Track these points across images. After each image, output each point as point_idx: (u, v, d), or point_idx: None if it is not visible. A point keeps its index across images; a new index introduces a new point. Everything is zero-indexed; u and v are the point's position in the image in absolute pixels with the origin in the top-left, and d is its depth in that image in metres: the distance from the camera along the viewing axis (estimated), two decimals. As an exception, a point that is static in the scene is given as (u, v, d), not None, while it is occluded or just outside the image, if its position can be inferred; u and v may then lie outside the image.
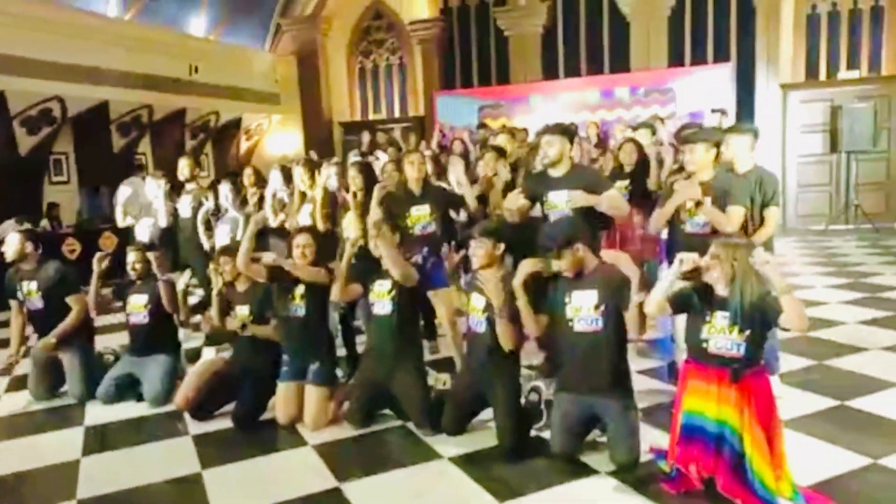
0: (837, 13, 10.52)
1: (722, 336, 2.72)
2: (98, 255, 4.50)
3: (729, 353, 2.71)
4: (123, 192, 6.08)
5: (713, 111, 8.64)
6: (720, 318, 2.73)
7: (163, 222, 5.71)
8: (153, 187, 5.80)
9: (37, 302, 4.40)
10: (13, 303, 4.50)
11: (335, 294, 3.79)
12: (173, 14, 10.63)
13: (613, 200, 3.79)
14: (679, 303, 2.87)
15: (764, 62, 10.71)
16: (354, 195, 4.58)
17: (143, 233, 5.84)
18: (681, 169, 4.35)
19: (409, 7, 12.36)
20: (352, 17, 12.80)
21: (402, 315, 3.73)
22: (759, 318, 2.68)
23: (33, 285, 4.39)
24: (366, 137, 9.08)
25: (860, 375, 4.06)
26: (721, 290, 2.75)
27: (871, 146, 9.69)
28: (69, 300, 4.40)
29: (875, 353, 4.45)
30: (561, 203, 3.81)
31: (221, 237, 5.25)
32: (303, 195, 4.97)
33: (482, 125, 9.71)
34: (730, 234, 3.20)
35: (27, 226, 5.88)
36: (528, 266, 3.20)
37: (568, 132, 3.92)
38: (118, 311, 4.71)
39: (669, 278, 2.87)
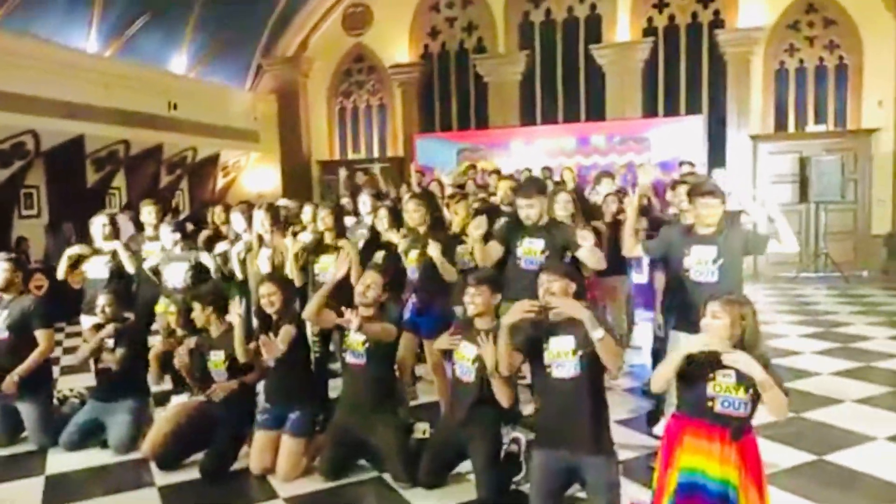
0: (804, 69, 10.89)
1: (729, 395, 2.62)
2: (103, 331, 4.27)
3: (736, 413, 2.62)
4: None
5: (681, 163, 8.76)
6: (722, 377, 2.63)
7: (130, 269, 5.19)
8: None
9: (1, 332, 4.22)
10: None
11: (307, 311, 3.62)
12: (154, 52, 10.64)
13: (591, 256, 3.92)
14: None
15: (734, 114, 10.99)
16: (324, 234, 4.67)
17: (99, 270, 5.19)
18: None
19: (390, 51, 12.53)
20: (333, 59, 12.92)
21: (378, 366, 3.65)
22: None
23: (4, 314, 4.24)
24: (342, 174, 8.94)
25: (836, 428, 4.07)
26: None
27: (839, 197, 9.94)
28: (38, 334, 4.24)
29: (849, 406, 4.48)
30: (537, 250, 3.90)
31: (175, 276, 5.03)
32: (260, 239, 4.91)
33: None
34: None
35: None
36: (523, 306, 2.97)
37: (543, 189, 4.10)
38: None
39: (677, 359, 2.69)
